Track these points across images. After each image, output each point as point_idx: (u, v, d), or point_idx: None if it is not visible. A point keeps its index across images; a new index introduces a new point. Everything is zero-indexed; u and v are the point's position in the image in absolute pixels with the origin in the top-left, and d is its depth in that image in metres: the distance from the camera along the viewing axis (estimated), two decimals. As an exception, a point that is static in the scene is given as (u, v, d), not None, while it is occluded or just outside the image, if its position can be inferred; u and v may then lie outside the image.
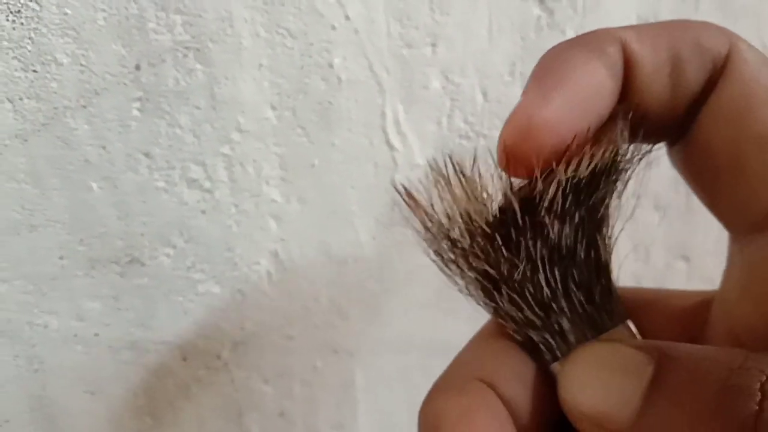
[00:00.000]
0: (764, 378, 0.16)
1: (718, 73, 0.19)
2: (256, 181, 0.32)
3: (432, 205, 0.21)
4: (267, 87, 0.31)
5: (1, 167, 0.29)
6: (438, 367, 0.21)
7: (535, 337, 0.21)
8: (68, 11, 0.28)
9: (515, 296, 0.21)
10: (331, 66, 0.31)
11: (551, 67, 0.19)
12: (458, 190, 0.21)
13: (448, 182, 0.21)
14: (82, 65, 0.28)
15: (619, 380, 0.18)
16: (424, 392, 0.20)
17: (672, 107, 0.20)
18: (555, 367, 0.21)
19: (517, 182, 0.20)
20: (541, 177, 0.19)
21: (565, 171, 0.19)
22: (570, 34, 0.34)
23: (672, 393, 0.17)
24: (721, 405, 0.16)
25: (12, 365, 0.32)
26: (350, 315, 0.36)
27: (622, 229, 0.22)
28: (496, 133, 0.22)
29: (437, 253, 0.22)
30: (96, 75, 0.29)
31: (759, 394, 0.16)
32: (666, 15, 0.35)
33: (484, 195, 0.20)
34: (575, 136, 0.19)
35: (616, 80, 0.19)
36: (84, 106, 0.29)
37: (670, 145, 0.22)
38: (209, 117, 0.31)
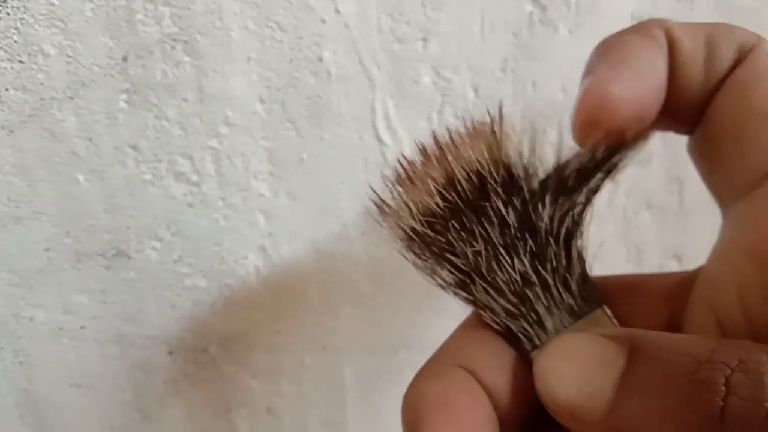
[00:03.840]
0: (729, 372, 0.16)
1: (741, 60, 0.21)
2: (244, 175, 0.32)
3: (403, 204, 0.22)
4: (256, 80, 0.31)
5: (-12, 159, 0.28)
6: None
7: (513, 327, 0.21)
8: (55, 2, 0.27)
9: (487, 286, 0.21)
10: (320, 60, 0.31)
11: (613, 48, 0.21)
12: (420, 183, 0.22)
13: (409, 178, 0.22)
14: (69, 56, 0.28)
15: (592, 372, 0.18)
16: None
17: (704, 91, 0.21)
18: (534, 355, 0.21)
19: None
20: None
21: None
22: (563, 32, 0.34)
23: (643, 385, 0.17)
24: (689, 399, 0.16)
25: (-3, 358, 0.32)
26: (339, 312, 0.36)
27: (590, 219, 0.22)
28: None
29: (411, 252, 0.22)
30: (83, 67, 0.28)
31: (723, 389, 0.16)
32: (661, 14, 0.35)
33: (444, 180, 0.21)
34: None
35: (666, 61, 0.21)
36: (71, 98, 0.29)
37: (691, 132, 0.22)
38: (197, 110, 0.30)
